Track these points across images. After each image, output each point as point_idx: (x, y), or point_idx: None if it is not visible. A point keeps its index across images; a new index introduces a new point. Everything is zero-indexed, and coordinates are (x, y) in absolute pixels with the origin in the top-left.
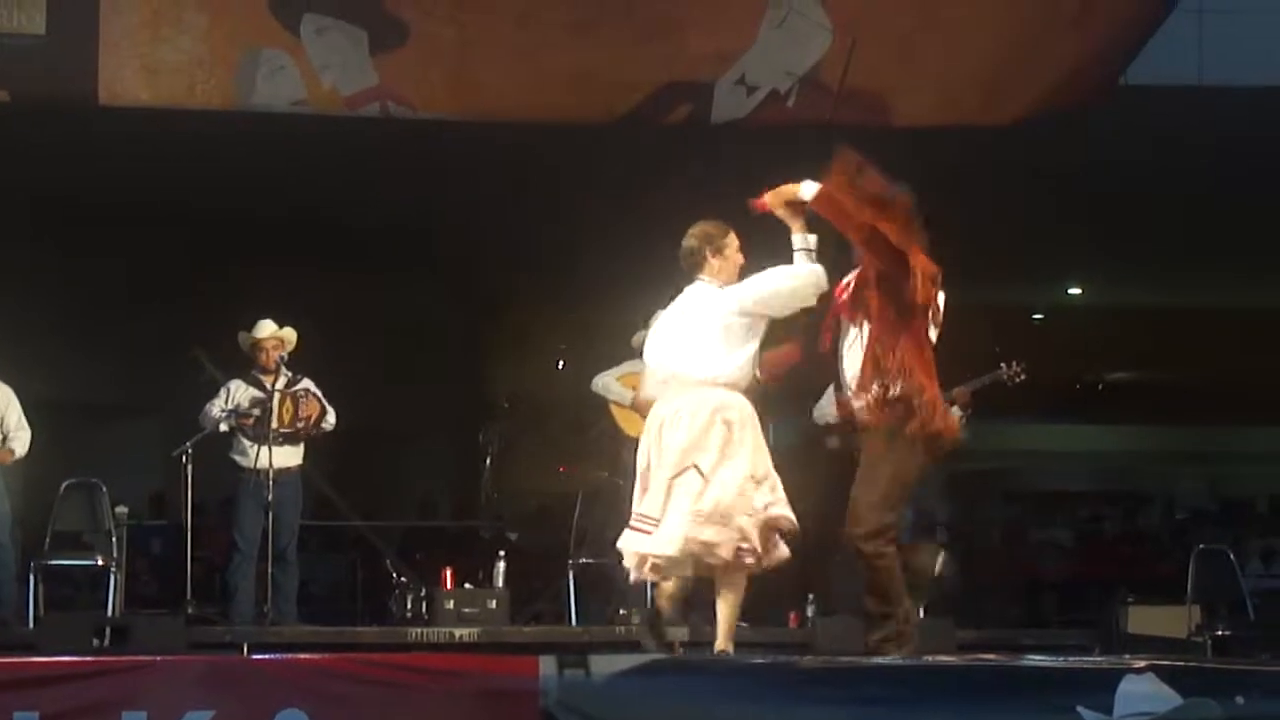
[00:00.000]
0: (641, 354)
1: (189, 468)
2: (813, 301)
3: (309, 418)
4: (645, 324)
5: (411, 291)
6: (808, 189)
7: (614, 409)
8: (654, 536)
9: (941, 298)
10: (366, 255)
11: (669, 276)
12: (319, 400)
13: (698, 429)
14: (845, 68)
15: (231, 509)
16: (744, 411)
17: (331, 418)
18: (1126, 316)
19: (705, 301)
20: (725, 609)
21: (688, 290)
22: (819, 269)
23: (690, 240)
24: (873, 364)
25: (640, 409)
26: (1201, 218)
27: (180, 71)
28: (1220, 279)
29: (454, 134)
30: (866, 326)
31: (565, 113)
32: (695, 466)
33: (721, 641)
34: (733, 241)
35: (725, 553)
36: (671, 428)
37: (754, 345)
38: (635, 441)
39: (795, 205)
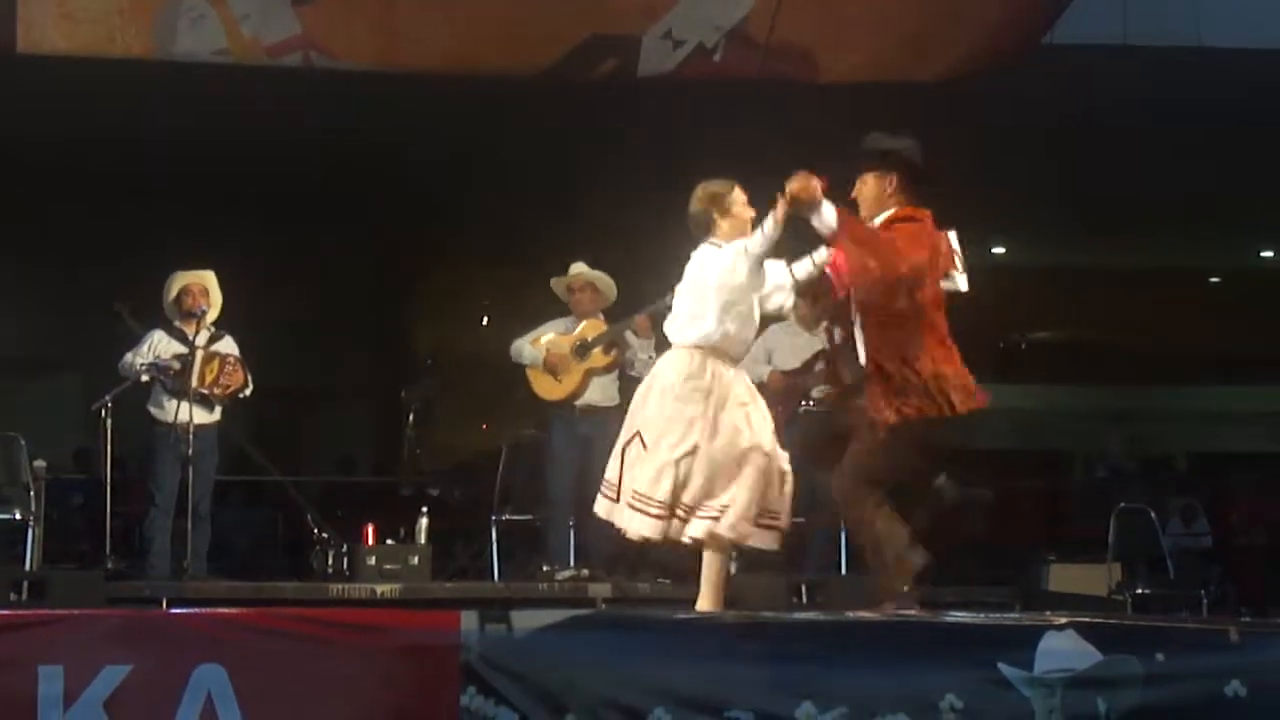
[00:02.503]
0: (560, 309)
1: (108, 421)
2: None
3: (228, 387)
4: (565, 270)
5: (335, 247)
6: (829, 215)
7: (530, 373)
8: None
9: (954, 237)
10: (289, 210)
11: (593, 230)
12: (243, 371)
13: (641, 397)
14: (772, 22)
15: (148, 462)
16: (679, 376)
17: (249, 389)
18: (1049, 276)
19: (706, 263)
20: (706, 569)
21: (695, 255)
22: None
23: (696, 205)
24: (877, 369)
25: (551, 368)
26: (1125, 178)
27: (100, 20)
28: (1143, 240)
29: (379, 88)
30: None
31: (490, 64)
32: (639, 435)
33: (702, 602)
34: (739, 197)
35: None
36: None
37: (733, 304)
38: (553, 405)
39: (804, 204)
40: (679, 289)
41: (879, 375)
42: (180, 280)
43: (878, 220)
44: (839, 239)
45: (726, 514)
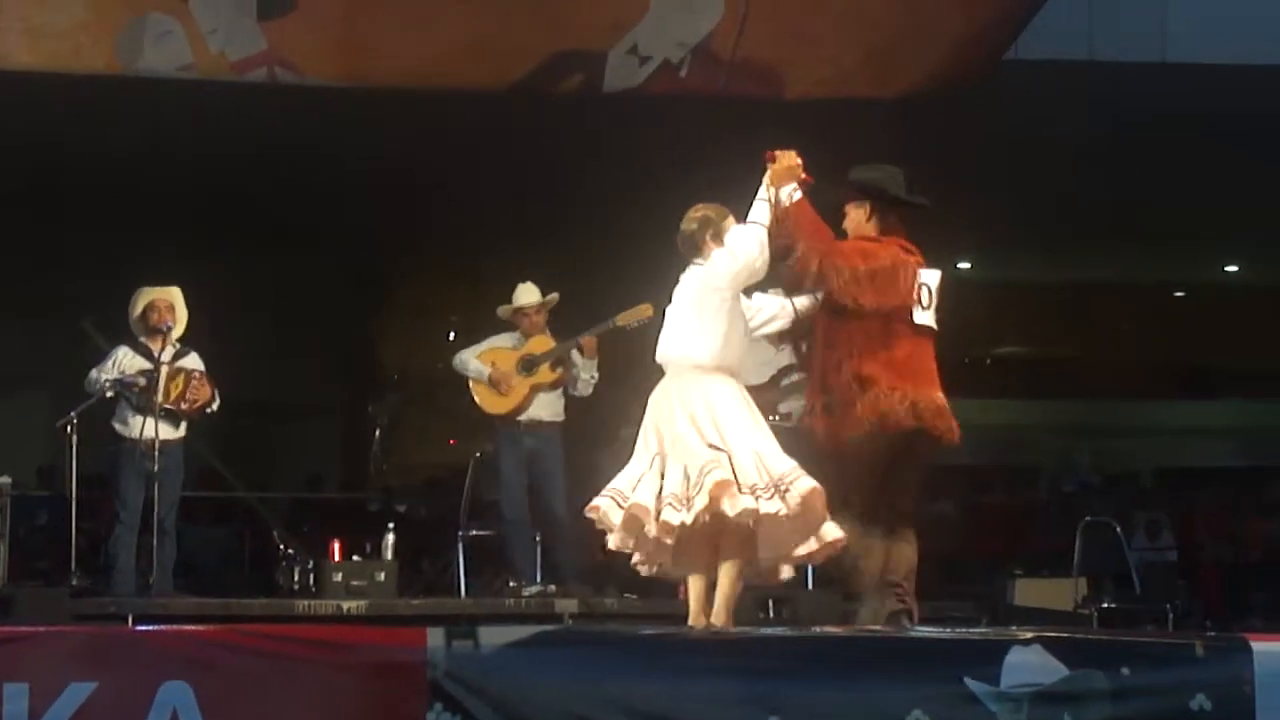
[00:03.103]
0: (508, 325)
1: (74, 438)
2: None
3: (195, 401)
4: (511, 299)
5: (303, 263)
6: (794, 193)
7: (474, 386)
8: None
9: (934, 278)
10: (257, 226)
11: (560, 249)
12: (210, 385)
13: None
14: (737, 39)
15: (113, 479)
16: (710, 396)
17: (216, 404)
18: (1014, 291)
19: (692, 284)
20: (723, 582)
21: (683, 277)
22: (764, 237)
23: (689, 224)
24: (817, 375)
25: (495, 383)
26: (1090, 192)
27: (64, 35)
28: (1107, 254)
29: (346, 104)
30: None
31: (456, 80)
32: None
33: (717, 615)
34: (731, 225)
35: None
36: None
37: (728, 322)
38: (495, 419)
39: (783, 170)
40: (672, 311)
41: (818, 390)
42: (146, 296)
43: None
44: (788, 215)
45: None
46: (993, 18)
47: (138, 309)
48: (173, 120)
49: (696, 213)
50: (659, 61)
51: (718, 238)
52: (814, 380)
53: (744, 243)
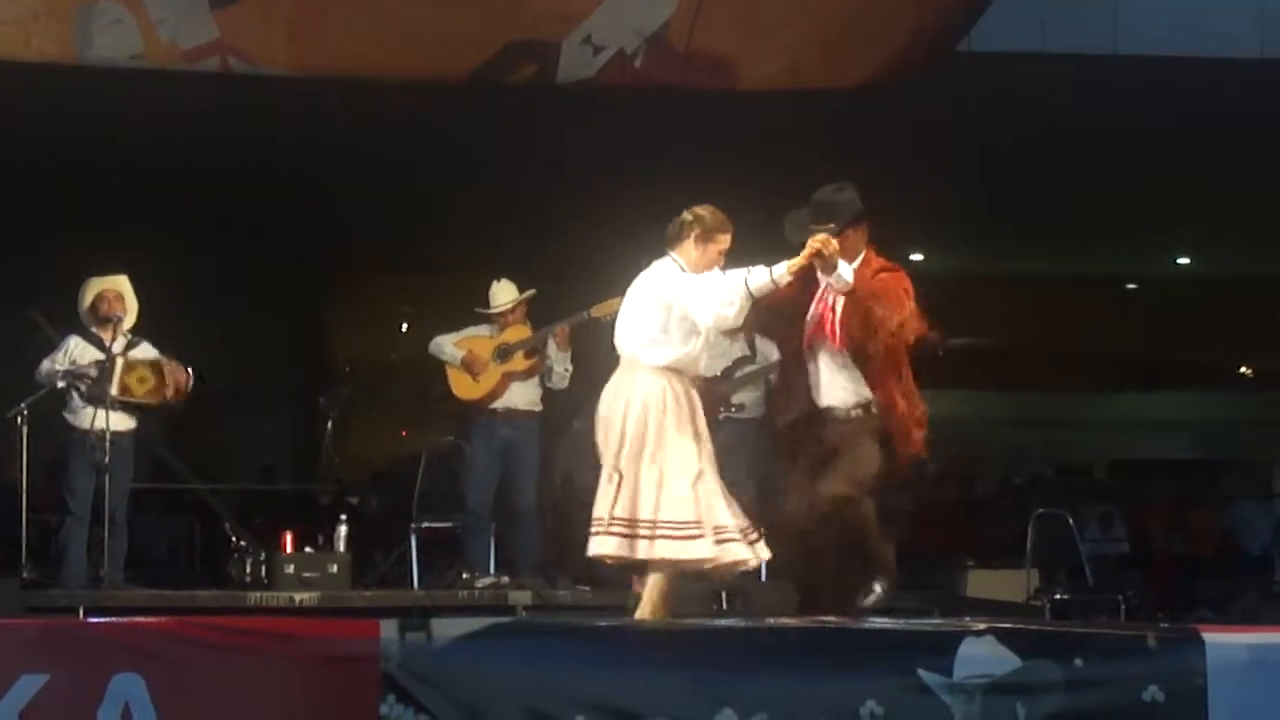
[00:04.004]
0: (486, 316)
1: (24, 429)
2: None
3: (168, 389)
4: (478, 293)
5: (254, 253)
6: (847, 273)
7: (449, 370)
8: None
9: None
10: (207, 216)
11: (514, 241)
12: (182, 371)
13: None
14: (691, 29)
15: (62, 470)
16: (668, 400)
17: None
18: (966, 283)
19: (661, 280)
20: (653, 579)
21: (654, 265)
22: (741, 308)
23: (686, 214)
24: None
25: (469, 367)
26: (1042, 185)
27: (15, 24)
28: (1060, 246)
29: (297, 93)
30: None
31: (409, 70)
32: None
33: (643, 610)
34: (724, 240)
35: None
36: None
37: (687, 329)
38: (471, 408)
39: (824, 260)
40: (636, 301)
41: (897, 405)
42: (95, 286)
43: (854, 264)
44: (855, 293)
45: (751, 534)
46: (945, 8)
47: (87, 300)
48: (121, 108)
49: (700, 209)
50: (613, 51)
51: (701, 239)
52: (906, 400)
53: (725, 303)
